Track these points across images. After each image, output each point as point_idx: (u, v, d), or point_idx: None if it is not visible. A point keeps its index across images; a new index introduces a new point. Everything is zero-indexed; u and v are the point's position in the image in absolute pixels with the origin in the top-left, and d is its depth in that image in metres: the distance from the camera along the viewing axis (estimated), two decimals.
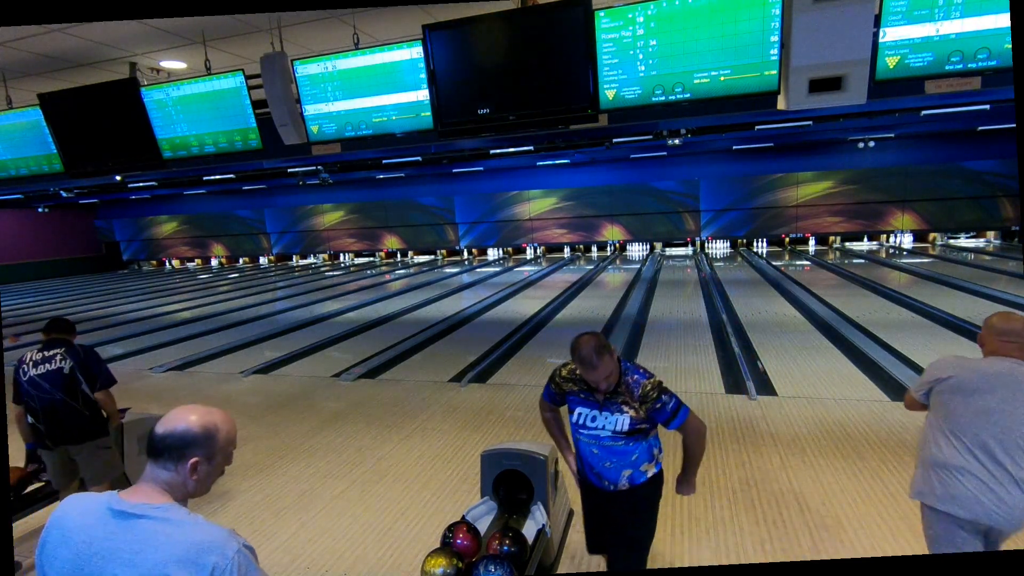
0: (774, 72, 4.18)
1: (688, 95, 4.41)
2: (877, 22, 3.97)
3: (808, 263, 14.74)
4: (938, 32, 3.96)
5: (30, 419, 3.21)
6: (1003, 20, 3.83)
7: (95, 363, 3.29)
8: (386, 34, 5.56)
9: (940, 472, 2.03)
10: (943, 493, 2.01)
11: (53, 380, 3.16)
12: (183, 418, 1.32)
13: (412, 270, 18.24)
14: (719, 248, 18.70)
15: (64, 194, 14.69)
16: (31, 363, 3.16)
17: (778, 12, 4.02)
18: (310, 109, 5.42)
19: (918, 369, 5.60)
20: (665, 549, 2.99)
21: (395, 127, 5.27)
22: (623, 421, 2.22)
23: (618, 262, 17.15)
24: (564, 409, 2.51)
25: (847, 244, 17.71)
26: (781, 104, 4.25)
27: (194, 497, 1.33)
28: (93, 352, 3.34)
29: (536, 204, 19.44)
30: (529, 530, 2.64)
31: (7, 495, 3.12)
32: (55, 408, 3.16)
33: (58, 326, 3.37)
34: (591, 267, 16.14)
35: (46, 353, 3.21)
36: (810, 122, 9.74)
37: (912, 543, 2.92)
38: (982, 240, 16.65)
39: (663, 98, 4.47)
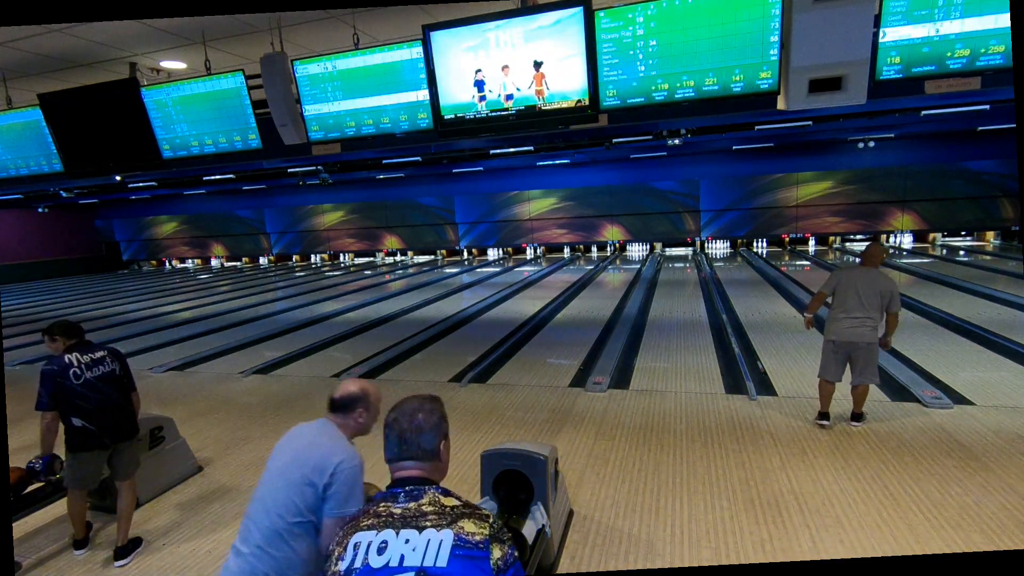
0: (774, 72, 4.18)
1: (688, 95, 4.41)
2: (877, 22, 3.97)
3: (808, 263, 14.74)
4: (938, 32, 3.96)
5: (77, 422, 3.13)
6: (1003, 20, 3.83)
7: (122, 366, 3.44)
8: (386, 34, 5.56)
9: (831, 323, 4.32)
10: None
11: (109, 381, 3.28)
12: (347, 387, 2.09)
13: (412, 270, 18.24)
14: (719, 248, 18.70)
15: (64, 194, 14.68)
16: (82, 366, 3.20)
17: (778, 12, 4.02)
18: (310, 109, 5.42)
19: (918, 369, 5.60)
20: (665, 549, 2.99)
21: (395, 127, 5.27)
22: None
23: (618, 262, 17.14)
24: None
25: (847, 244, 17.71)
26: (781, 104, 4.25)
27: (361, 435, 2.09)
28: (120, 355, 3.48)
29: (536, 204, 19.44)
30: (529, 530, 2.64)
31: (7, 495, 3.12)
32: (115, 408, 3.27)
33: (76, 330, 3.38)
34: (591, 267, 16.13)
35: (94, 356, 3.28)
36: (810, 122, 9.73)
37: (912, 543, 2.92)
38: (981, 240, 16.65)
39: (663, 98, 4.47)
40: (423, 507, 1.36)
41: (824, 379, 4.43)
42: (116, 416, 3.28)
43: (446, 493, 1.42)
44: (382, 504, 1.40)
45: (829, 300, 4.51)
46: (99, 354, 3.32)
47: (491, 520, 1.34)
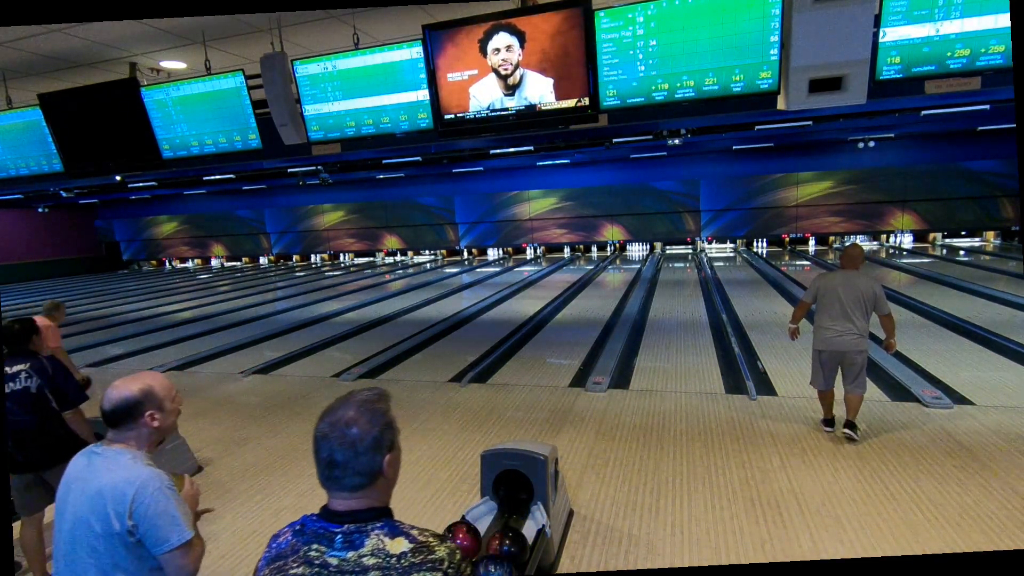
0: (774, 72, 4.18)
1: (688, 95, 4.41)
2: (877, 22, 3.97)
3: (808, 263, 14.74)
4: (938, 32, 3.96)
5: None
6: (1003, 20, 3.83)
7: (64, 379, 2.96)
8: (386, 34, 5.56)
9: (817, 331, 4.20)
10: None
11: (19, 400, 2.83)
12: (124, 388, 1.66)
13: (412, 270, 18.24)
14: (719, 248, 18.70)
15: (64, 194, 14.67)
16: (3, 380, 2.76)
17: (778, 12, 4.02)
18: (310, 109, 5.42)
19: (918, 369, 5.60)
20: (665, 549, 2.99)
21: (395, 127, 5.27)
22: None
23: (618, 262, 17.14)
24: None
25: (847, 244, 17.69)
26: (781, 104, 4.25)
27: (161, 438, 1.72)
28: (61, 367, 3.01)
29: (536, 204, 19.44)
30: (529, 530, 2.64)
31: (7, 495, 3.11)
32: (22, 432, 2.83)
33: (14, 336, 2.95)
34: (591, 267, 16.13)
35: (10, 370, 2.83)
36: (810, 122, 9.74)
37: (912, 543, 2.92)
38: (978, 239, 16.64)
39: (663, 98, 4.47)
40: (364, 559, 1.11)
41: (819, 389, 4.31)
42: (22, 440, 2.82)
43: (393, 531, 1.16)
44: (315, 547, 1.15)
45: (815, 307, 4.34)
46: (16, 368, 2.87)
47: (446, 566, 1.12)
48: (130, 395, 1.63)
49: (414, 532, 1.16)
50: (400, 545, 1.13)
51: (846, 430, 4.14)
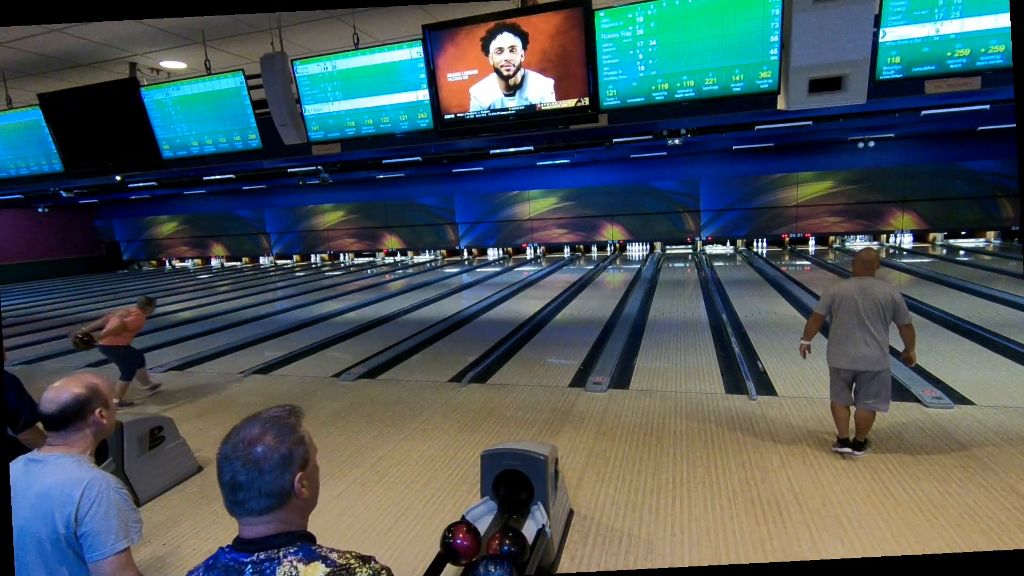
0: (774, 72, 4.17)
1: (688, 95, 4.41)
2: (877, 22, 3.96)
3: (808, 263, 14.74)
4: (938, 32, 3.96)
5: None
6: (1003, 20, 3.83)
7: (17, 396, 2.67)
8: (386, 34, 5.56)
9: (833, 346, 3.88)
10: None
11: None
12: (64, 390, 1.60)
13: (412, 270, 18.24)
14: (719, 248, 18.69)
15: (64, 194, 14.68)
16: None
17: (778, 12, 4.02)
18: (310, 109, 5.42)
19: (918, 369, 5.59)
20: (665, 549, 2.99)
21: (395, 127, 5.27)
22: None
23: (618, 262, 17.14)
24: None
25: (847, 244, 17.71)
26: (781, 104, 4.25)
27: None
28: (15, 381, 2.73)
29: (536, 204, 19.44)
30: (529, 530, 2.64)
31: (7, 494, 3.11)
32: None
33: None
34: (591, 267, 16.13)
35: None
36: (810, 122, 9.74)
37: (912, 543, 2.92)
38: (982, 240, 16.65)
39: (663, 98, 4.47)
40: None
41: (836, 403, 3.96)
42: None
43: (309, 555, 1.05)
44: None
45: (829, 319, 3.98)
46: None
47: None
48: (80, 393, 1.58)
49: (333, 556, 1.06)
50: (316, 570, 1.03)
51: (855, 450, 3.81)
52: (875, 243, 17.56)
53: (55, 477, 1.49)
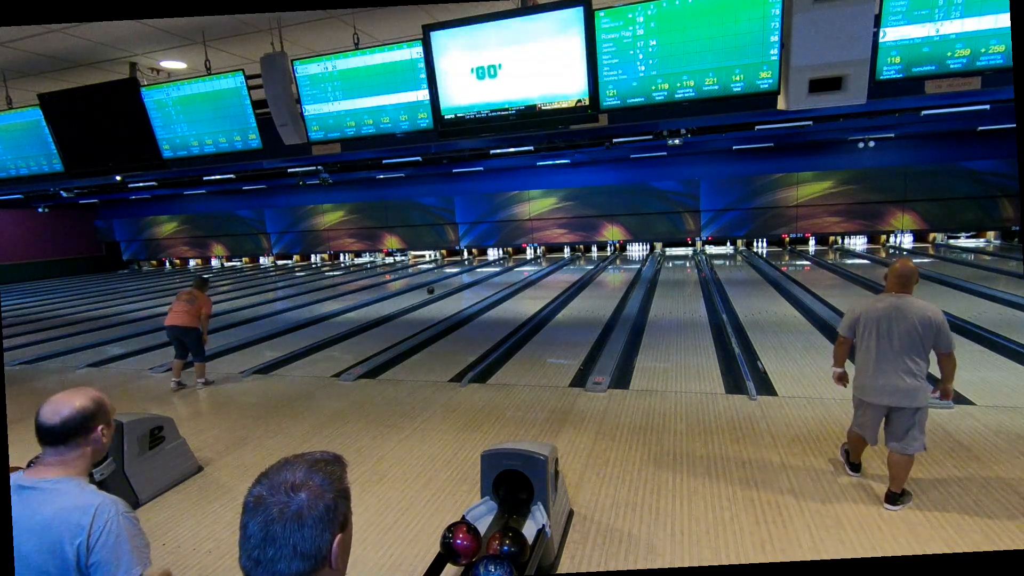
0: (774, 72, 4.17)
1: (688, 95, 4.40)
2: (877, 22, 3.96)
3: (808, 263, 14.74)
4: (938, 32, 3.96)
5: None
6: (1003, 20, 3.83)
7: None
8: (386, 34, 5.56)
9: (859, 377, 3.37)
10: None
11: None
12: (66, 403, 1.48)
13: (412, 270, 18.24)
14: (719, 248, 18.70)
15: (64, 194, 14.70)
16: None
17: (778, 12, 4.02)
18: (310, 109, 5.42)
19: None
20: (665, 549, 2.99)
21: (395, 127, 5.27)
22: None
23: (618, 262, 17.14)
24: None
25: (847, 244, 17.71)
26: (781, 104, 4.25)
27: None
28: None
29: (536, 204, 19.44)
30: (529, 530, 2.64)
31: (7, 494, 3.11)
32: None
33: None
34: (591, 267, 16.13)
35: None
36: (810, 122, 9.75)
37: (912, 543, 2.92)
38: (982, 240, 16.65)
39: (663, 98, 4.47)
40: None
41: (856, 432, 3.46)
42: None
43: None
44: None
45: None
46: None
47: None
48: (86, 406, 1.45)
49: None
50: None
51: (888, 505, 3.19)
52: (875, 243, 17.55)
53: (57, 504, 1.36)
